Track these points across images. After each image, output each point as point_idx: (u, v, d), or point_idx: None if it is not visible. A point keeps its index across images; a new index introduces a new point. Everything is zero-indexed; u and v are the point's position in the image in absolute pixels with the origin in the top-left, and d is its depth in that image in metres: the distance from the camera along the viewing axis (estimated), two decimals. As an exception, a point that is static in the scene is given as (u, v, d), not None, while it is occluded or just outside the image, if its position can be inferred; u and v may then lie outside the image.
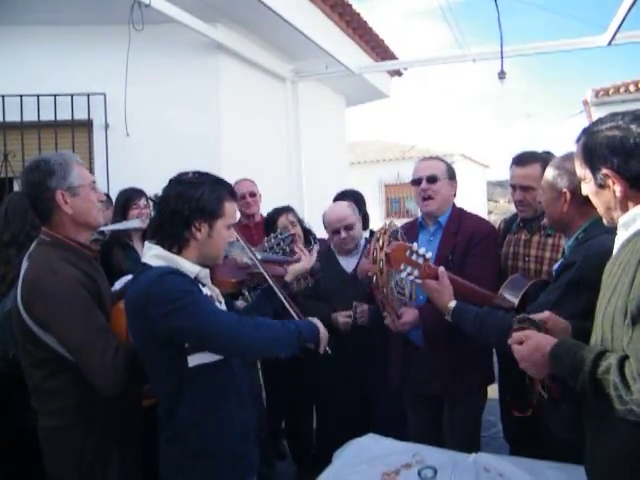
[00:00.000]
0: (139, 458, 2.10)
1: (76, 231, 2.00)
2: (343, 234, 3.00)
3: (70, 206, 1.95)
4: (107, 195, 3.95)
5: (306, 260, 2.33)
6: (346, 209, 3.07)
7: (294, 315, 2.09)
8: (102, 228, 2.67)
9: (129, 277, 2.90)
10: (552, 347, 1.45)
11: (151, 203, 2.05)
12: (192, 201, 1.75)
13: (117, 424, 1.98)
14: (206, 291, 1.83)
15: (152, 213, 2.40)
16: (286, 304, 2.11)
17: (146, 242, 1.87)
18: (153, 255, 1.78)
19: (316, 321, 2.00)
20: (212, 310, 1.74)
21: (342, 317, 2.92)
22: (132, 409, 2.06)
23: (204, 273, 1.83)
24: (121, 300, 2.12)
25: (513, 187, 2.78)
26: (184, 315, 1.65)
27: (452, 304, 2.14)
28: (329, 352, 2.01)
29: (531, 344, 1.50)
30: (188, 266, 1.78)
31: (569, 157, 1.90)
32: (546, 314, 1.62)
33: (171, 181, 1.85)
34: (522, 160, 2.73)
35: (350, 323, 2.90)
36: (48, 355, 1.89)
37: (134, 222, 2.86)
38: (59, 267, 1.87)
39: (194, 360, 1.73)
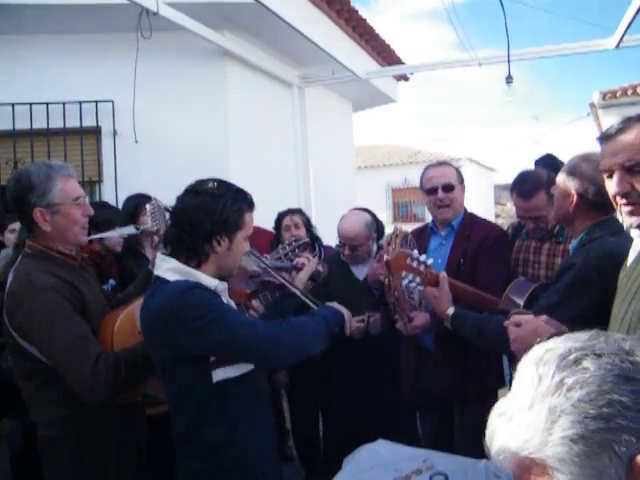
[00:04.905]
0: (139, 464, 2.10)
1: (59, 243, 1.97)
2: (346, 251, 3.01)
3: (49, 223, 1.91)
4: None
5: (309, 266, 2.29)
6: (357, 227, 2.96)
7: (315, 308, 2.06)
8: (92, 237, 2.63)
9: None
10: (552, 334, 1.42)
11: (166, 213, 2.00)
12: (214, 214, 1.65)
13: (114, 432, 1.96)
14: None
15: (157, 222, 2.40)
16: (307, 300, 2.08)
17: (158, 254, 1.80)
18: (169, 269, 1.68)
19: (336, 304, 1.92)
20: (246, 320, 1.66)
21: (355, 322, 2.90)
22: (130, 417, 2.05)
23: (222, 286, 1.74)
24: (114, 309, 2.10)
25: (522, 218, 2.67)
26: (218, 329, 1.58)
27: (450, 311, 2.13)
28: (354, 331, 1.93)
29: (529, 327, 1.49)
30: (206, 279, 1.69)
31: (586, 158, 1.88)
32: (543, 317, 1.61)
33: (188, 191, 1.73)
34: (525, 193, 2.55)
35: (363, 328, 2.89)
36: (36, 367, 1.88)
37: (128, 229, 2.75)
38: (37, 278, 1.85)
39: (218, 375, 1.64)
